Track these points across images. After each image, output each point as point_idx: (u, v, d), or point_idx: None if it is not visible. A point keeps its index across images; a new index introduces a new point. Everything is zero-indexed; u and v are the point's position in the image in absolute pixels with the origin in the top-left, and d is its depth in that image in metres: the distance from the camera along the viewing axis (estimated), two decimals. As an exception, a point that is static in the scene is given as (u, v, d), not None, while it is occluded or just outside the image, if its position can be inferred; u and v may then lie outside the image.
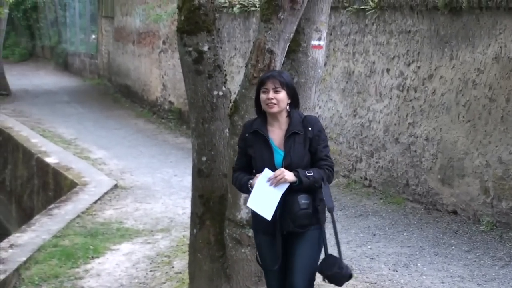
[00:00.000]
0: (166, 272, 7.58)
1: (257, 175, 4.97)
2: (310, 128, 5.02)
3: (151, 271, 7.65)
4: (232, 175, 5.33)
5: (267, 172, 4.89)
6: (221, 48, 6.20)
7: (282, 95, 4.97)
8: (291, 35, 5.63)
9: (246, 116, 5.63)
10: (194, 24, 5.86)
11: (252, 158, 5.11)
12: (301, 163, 4.96)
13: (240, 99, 5.69)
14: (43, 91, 23.82)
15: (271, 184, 4.87)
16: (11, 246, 8.17)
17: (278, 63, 5.57)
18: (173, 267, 7.74)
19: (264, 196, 4.89)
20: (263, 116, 5.11)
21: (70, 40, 29.64)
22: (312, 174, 4.89)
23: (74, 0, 30.18)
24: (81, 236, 8.71)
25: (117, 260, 7.97)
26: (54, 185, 12.33)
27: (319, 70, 6.07)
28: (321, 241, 4.99)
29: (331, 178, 5.03)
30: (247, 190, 5.03)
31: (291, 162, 4.95)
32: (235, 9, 13.18)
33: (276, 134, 5.05)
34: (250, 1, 12.71)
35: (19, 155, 14.76)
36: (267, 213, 4.87)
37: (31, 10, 33.49)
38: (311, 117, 5.20)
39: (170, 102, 17.80)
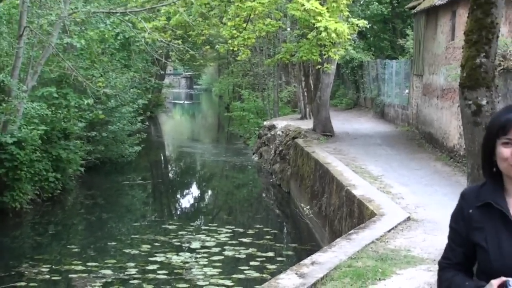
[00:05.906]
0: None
1: (493, 281, 2.58)
2: None
3: (429, 296, 7.20)
4: (438, 273, 2.95)
5: None
6: (498, 102, 5.68)
7: None
8: None
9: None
10: (474, 80, 5.44)
11: (478, 249, 2.74)
12: None
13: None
14: (361, 134, 23.88)
15: None
16: (312, 263, 8.10)
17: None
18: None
19: None
20: (496, 180, 2.79)
21: (387, 93, 29.66)
22: None
23: (392, 61, 30.29)
24: (372, 260, 8.43)
25: (400, 284, 7.57)
26: (358, 213, 12.17)
27: None
28: None
29: None
30: None
31: None
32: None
33: None
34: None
35: (334, 186, 14.81)
36: None
37: (357, 67, 34.21)
38: None
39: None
